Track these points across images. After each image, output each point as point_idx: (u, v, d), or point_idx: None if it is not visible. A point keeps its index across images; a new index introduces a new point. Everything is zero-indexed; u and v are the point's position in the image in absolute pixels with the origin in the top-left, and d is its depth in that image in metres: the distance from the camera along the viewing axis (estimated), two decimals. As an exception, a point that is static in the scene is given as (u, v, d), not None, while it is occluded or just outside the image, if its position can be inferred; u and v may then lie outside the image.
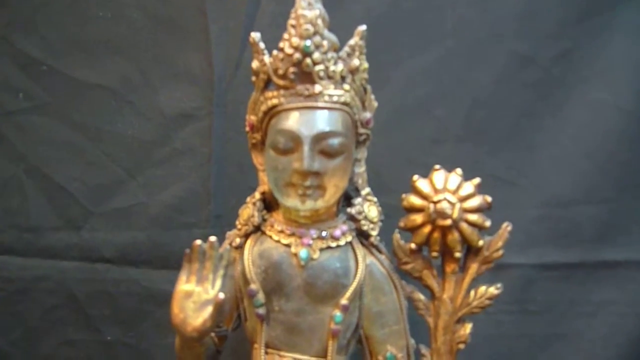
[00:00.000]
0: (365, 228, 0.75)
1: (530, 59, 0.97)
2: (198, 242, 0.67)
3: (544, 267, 1.01)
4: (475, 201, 0.72)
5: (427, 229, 0.73)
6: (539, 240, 1.00)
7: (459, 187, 0.73)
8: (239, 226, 0.76)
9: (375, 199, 0.77)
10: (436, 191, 0.73)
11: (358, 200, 0.75)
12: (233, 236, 0.76)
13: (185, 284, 0.67)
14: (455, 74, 0.98)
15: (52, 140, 1.02)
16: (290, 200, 0.71)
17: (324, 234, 0.73)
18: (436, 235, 0.73)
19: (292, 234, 0.73)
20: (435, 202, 0.72)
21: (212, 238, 0.67)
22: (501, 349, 1.01)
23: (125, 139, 1.02)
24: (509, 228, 0.74)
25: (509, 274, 1.00)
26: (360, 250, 0.74)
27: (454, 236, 0.73)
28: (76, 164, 1.02)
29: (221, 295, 0.65)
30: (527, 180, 0.99)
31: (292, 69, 0.69)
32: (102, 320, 1.01)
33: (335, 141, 0.69)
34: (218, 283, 0.67)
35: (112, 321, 1.01)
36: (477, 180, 0.73)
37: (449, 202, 0.72)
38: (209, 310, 0.65)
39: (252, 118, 0.75)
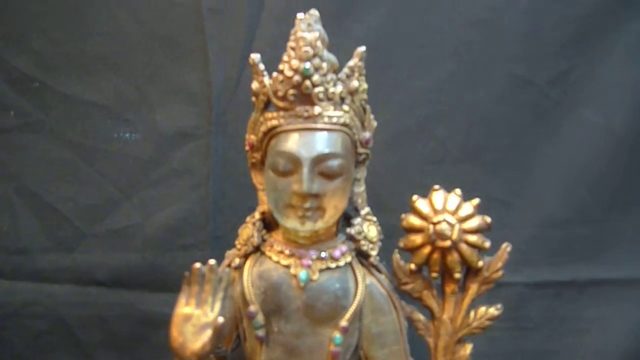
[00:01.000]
0: (364, 248, 0.75)
1: (528, 81, 0.99)
2: (197, 265, 0.66)
3: (537, 286, 1.03)
4: (475, 222, 0.73)
5: (426, 249, 0.74)
6: (533, 259, 1.01)
7: (458, 208, 0.73)
8: (239, 246, 0.75)
9: (374, 219, 0.77)
10: (435, 212, 0.73)
11: (357, 220, 0.75)
12: (232, 256, 0.75)
13: (185, 307, 0.66)
14: (455, 95, 0.99)
15: (44, 159, 0.99)
16: (290, 222, 0.71)
17: (323, 254, 0.72)
18: (436, 256, 0.74)
19: (292, 255, 0.73)
20: (434, 223, 0.72)
21: (212, 261, 0.67)
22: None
23: (121, 158, 1.00)
24: (509, 249, 0.75)
25: (503, 292, 1.01)
26: (359, 271, 0.74)
27: (454, 257, 0.73)
28: (69, 183, 0.99)
29: (220, 320, 0.65)
30: (522, 200, 1.01)
31: (291, 91, 0.69)
32: (95, 346, 0.98)
33: (334, 163, 0.69)
34: (217, 306, 0.66)
35: (106, 346, 0.98)
36: (476, 200, 0.74)
37: (449, 223, 0.72)
38: (208, 333, 0.65)
39: (252, 137, 0.75)
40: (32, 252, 0.98)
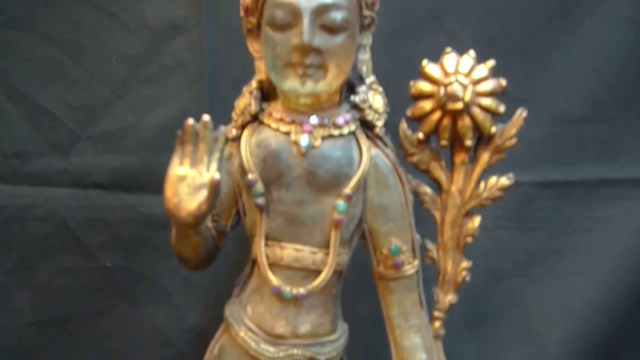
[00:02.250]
0: (369, 118, 0.70)
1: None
2: (190, 121, 0.62)
3: (545, 185, 1.01)
4: (489, 84, 0.69)
5: (436, 115, 0.70)
6: (543, 158, 0.99)
7: (471, 70, 0.69)
8: (235, 117, 0.72)
9: (380, 89, 0.72)
10: (447, 75, 0.69)
11: (362, 88, 0.70)
12: (229, 129, 0.71)
13: (179, 168, 0.62)
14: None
15: (31, 58, 0.94)
16: (289, 82, 0.66)
17: (325, 121, 0.68)
18: (446, 121, 0.70)
19: (292, 122, 0.68)
20: (446, 85, 0.68)
21: (206, 117, 0.62)
22: (498, 262, 1.03)
23: (109, 55, 0.94)
24: (524, 114, 0.71)
25: (510, 191, 1.00)
26: (364, 141, 0.70)
27: (465, 122, 0.69)
28: (58, 84, 0.95)
29: (217, 176, 0.61)
30: (535, 97, 0.96)
31: None
32: (99, 248, 0.98)
33: (337, 15, 0.64)
34: (213, 165, 0.62)
35: (109, 248, 0.98)
36: (491, 62, 0.70)
37: (461, 84, 0.68)
38: (204, 193, 0.62)
39: (246, 0, 0.69)
40: (28, 156, 0.96)
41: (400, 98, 0.75)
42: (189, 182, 0.62)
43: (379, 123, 0.71)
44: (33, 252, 0.98)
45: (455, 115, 0.69)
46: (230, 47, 0.92)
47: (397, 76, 0.90)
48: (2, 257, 0.98)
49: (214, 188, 0.61)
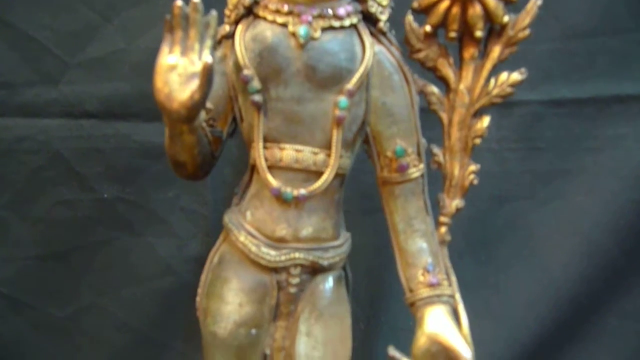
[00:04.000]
0: (373, 10, 0.67)
1: None
2: (179, 2, 0.57)
3: (554, 103, 0.97)
4: None
5: (445, 3, 0.66)
6: (551, 75, 0.95)
7: None
8: (228, 13, 0.67)
9: None
10: None
11: None
12: (221, 29, 0.67)
13: (168, 56, 0.58)
14: None
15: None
16: None
17: (325, 11, 0.65)
18: (455, 10, 0.66)
19: (290, 12, 0.64)
20: None
21: None
22: (503, 184, 1.01)
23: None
24: (539, 2, 0.67)
25: (516, 111, 0.97)
26: (367, 37, 0.67)
27: (476, 10, 0.65)
28: (42, 9, 0.90)
29: (209, 59, 0.57)
30: (544, 10, 0.91)
31: None
32: (95, 179, 0.96)
33: None
34: (206, 52, 0.58)
35: (106, 179, 0.96)
36: None
37: None
38: (196, 82, 0.58)
39: None
40: (16, 86, 0.92)
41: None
42: (180, 71, 0.58)
43: (383, 17, 0.67)
44: (28, 185, 0.96)
45: (465, 3, 0.65)
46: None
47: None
48: (-3, 191, 0.96)
49: (207, 73, 0.57)
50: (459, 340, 0.68)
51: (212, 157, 0.71)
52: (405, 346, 0.70)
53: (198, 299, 0.74)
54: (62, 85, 0.93)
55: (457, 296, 0.72)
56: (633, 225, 1.00)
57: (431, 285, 0.70)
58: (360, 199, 0.94)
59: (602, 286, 1.03)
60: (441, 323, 0.69)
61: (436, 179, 0.74)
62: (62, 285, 1.00)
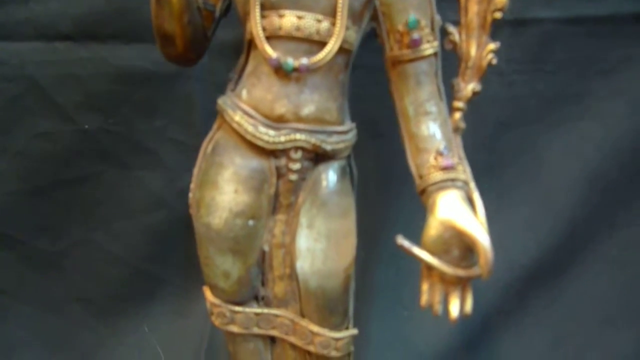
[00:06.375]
0: None
1: None
2: None
3: (569, 22, 0.90)
4: None
5: None
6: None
7: None
8: None
9: None
10: None
11: None
12: None
13: None
14: None
15: None
16: None
17: None
18: None
19: None
20: None
21: None
22: (509, 109, 0.95)
23: None
24: None
25: (528, 31, 0.90)
26: None
27: None
28: None
29: None
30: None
31: None
32: (75, 108, 0.89)
33: None
34: None
35: (86, 108, 0.89)
36: None
37: None
38: None
39: None
40: (-18, 6, 0.84)
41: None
42: None
43: None
44: (4, 116, 0.89)
45: None
46: None
47: None
48: (-29, 123, 0.90)
49: None
50: (475, 225, 0.60)
51: (204, 36, 0.65)
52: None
53: (191, 194, 0.68)
54: (32, 3, 0.84)
55: (472, 185, 0.66)
56: (636, 149, 0.96)
57: (445, 169, 0.63)
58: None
59: (602, 212, 1.00)
60: (455, 208, 0.61)
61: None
62: (51, 220, 0.96)
